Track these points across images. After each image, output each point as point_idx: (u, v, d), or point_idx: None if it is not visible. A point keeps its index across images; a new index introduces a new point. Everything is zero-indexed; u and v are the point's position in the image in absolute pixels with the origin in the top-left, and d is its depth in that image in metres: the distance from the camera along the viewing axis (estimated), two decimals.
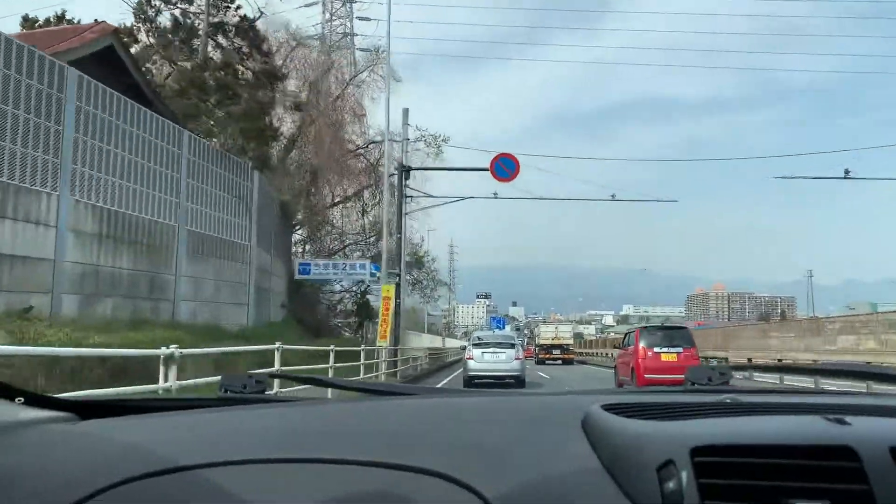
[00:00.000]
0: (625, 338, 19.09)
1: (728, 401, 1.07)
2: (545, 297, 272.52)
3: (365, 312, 29.33)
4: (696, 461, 0.78)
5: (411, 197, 23.95)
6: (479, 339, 19.59)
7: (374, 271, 20.55)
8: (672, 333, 16.79)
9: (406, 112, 23.79)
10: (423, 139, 29.29)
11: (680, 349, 15.87)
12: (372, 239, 31.89)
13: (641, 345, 16.07)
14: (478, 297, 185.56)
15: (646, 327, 18.08)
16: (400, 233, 22.08)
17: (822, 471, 0.76)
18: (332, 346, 12.28)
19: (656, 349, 15.88)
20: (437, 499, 0.81)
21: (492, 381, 17.58)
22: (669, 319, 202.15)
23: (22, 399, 1.10)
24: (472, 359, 18.14)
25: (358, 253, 31.23)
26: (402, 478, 0.84)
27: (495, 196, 23.23)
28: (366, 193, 31.45)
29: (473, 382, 17.61)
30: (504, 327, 74.57)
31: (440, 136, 29.33)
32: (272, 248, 23.06)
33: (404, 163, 22.65)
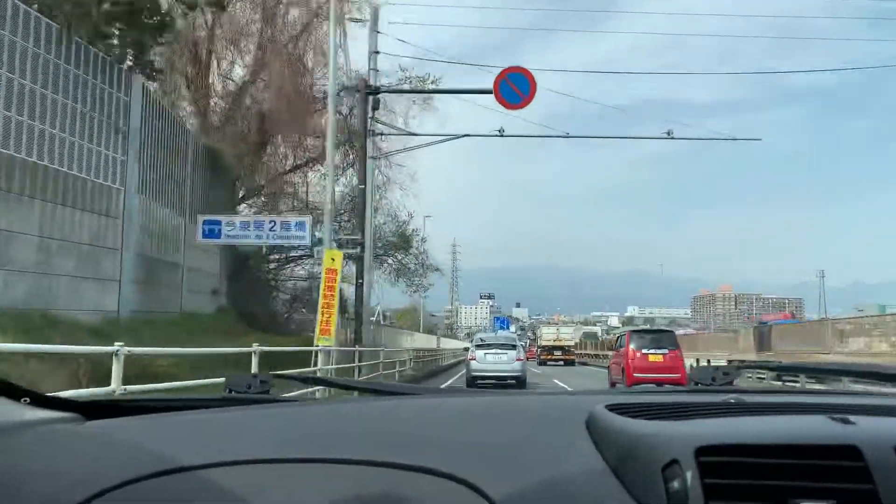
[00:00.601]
0: (617, 340, 20.70)
1: (732, 401, 1.04)
2: (549, 299, 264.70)
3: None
4: (701, 461, 0.76)
5: (382, 134, 16.94)
6: (481, 340, 19.92)
7: (319, 235, 13.55)
8: (659, 336, 17.70)
9: (375, 12, 16.64)
10: (408, 80, 22.25)
11: (665, 351, 16.76)
12: (345, 216, 24.81)
13: (631, 347, 16.95)
14: (481, 297, 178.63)
15: (635, 331, 19.00)
16: (364, 184, 15.05)
17: (827, 470, 0.74)
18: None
19: (644, 351, 16.76)
20: (442, 498, 0.80)
21: (494, 381, 17.59)
22: (675, 321, 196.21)
23: (28, 399, 1.07)
24: (474, 359, 18.25)
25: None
26: (407, 478, 0.82)
27: (501, 134, 16.23)
28: (336, 155, 24.41)
29: (476, 383, 17.66)
30: (508, 327, 70.90)
31: (429, 77, 22.29)
32: (189, 211, 16.05)
33: (372, 83, 15.53)
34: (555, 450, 0.87)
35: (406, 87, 22.35)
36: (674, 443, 0.80)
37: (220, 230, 13.49)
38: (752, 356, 19.46)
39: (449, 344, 55.26)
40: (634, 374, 16.40)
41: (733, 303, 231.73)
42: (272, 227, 13.32)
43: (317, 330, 11.41)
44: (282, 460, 0.87)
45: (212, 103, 22.98)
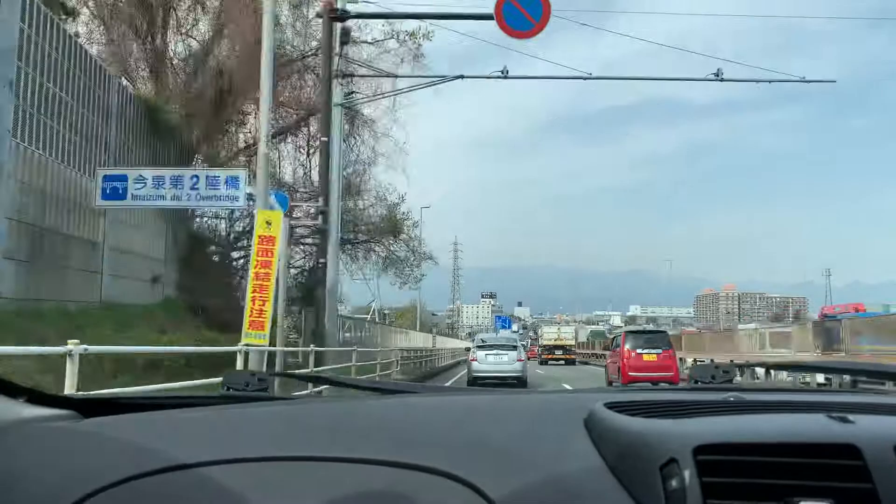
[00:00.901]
0: (612, 341, 22.13)
1: (731, 399, 1.04)
2: (551, 298, 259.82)
3: (313, 295, 18.70)
4: (699, 459, 0.75)
5: (352, 75, 13.56)
6: (482, 341, 20.01)
7: (249, 190, 10.05)
8: (653, 337, 18.87)
9: None
10: (395, 35, 18.85)
11: (659, 350, 17.74)
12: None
13: (626, 347, 17.89)
14: (482, 296, 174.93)
15: (630, 331, 19.71)
16: (328, 135, 11.64)
17: (826, 469, 0.74)
18: None
19: (639, 351, 17.69)
20: (441, 497, 0.79)
21: (495, 381, 17.48)
22: (678, 320, 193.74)
23: (25, 397, 1.07)
24: (475, 360, 18.36)
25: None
26: (406, 476, 0.81)
27: (504, 74, 12.79)
28: (312, 124, 21.05)
29: (477, 382, 17.61)
30: (510, 326, 70.58)
31: (421, 30, 18.85)
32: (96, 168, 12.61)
33: (338, 7, 12.09)
34: (554, 448, 0.86)
35: (392, 43, 18.98)
36: (672, 441, 0.79)
37: (125, 189, 10.08)
38: (809, 357, 16.04)
39: (447, 343, 51.65)
40: (630, 373, 17.32)
41: (737, 302, 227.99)
42: (195, 183, 9.92)
43: (245, 322, 8.04)
44: (280, 458, 0.86)
45: (170, 66, 19.66)
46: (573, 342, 48.06)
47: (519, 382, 17.80)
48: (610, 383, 18.45)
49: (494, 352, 18.38)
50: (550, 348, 45.79)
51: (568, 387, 22.10)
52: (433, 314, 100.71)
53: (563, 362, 42.85)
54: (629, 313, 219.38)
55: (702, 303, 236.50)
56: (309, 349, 10.44)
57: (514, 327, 76.09)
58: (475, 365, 18.31)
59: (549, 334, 49.53)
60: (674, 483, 0.74)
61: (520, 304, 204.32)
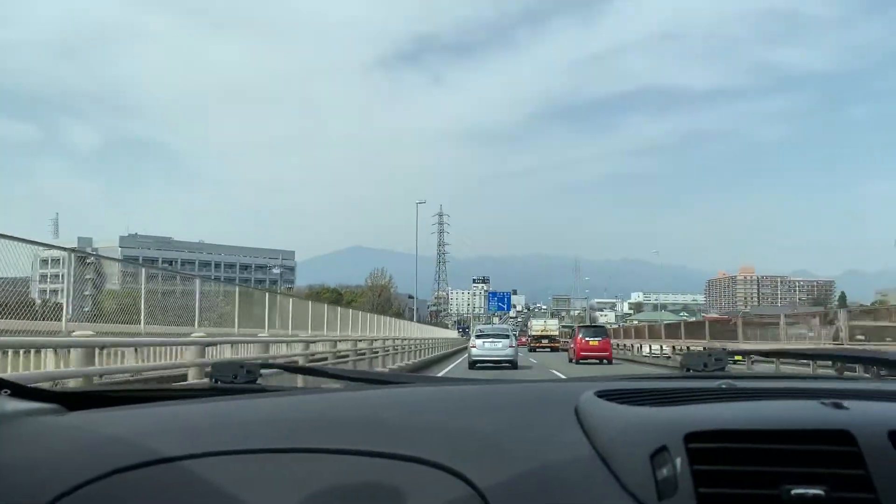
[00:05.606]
0: (571, 331, 40.29)
1: (723, 386, 1.06)
2: (548, 286, 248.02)
3: None
4: (691, 447, 0.77)
5: None
6: (480, 331, 26.32)
7: None
8: (597, 329, 32.41)
9: None
10: None
11: (600, 338, 29.37)
12: None
13: (579, 336, 29.89)
14: (474, 281, 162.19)
15: (582, 326, 36.24)
16: None
17: (820, 456, 0.76)
18: None
19: (587, 338, 29.21)
20: (429, 487, 0.80)
21: (491, 363, 23.21)
22: (687, 307, 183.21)
23: (8, 391, 1.07)
24: (475, 347, 23.83)
25: None
26: (394, 466, 0.83)
27: None
28: None
29: (476, 365, 23.21)
30: (508, 309, 76.14)
31: None
32: None
33: None
34: (543, 437, 0.87)
35: None
36: (662, 429, 0.80)
37: None
38: None
39: (419, 332, 38.88)
40: (581, 353, 28.49)
41: (756, 286, 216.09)
42: None
43: None
44: (267, 450, 0.87)
45: None
46: (557, 332, 57.04)
47: (511, 364, 23.49)
48: (570, 360, 29.86)
49: (491, 340, 24.19)
50: (538, 338, 54.43)
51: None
52: (409, 296, 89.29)
53: (549, 350, 50.06)
54: (632, 300, 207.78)
55: (714, 288, 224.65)
56: None
57: (519, 307, 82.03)
58: (474, 351, 23.91)
59: (536, 326, 60.32)
60: (665, 471, 0.75)
61: (514, 293, 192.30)
